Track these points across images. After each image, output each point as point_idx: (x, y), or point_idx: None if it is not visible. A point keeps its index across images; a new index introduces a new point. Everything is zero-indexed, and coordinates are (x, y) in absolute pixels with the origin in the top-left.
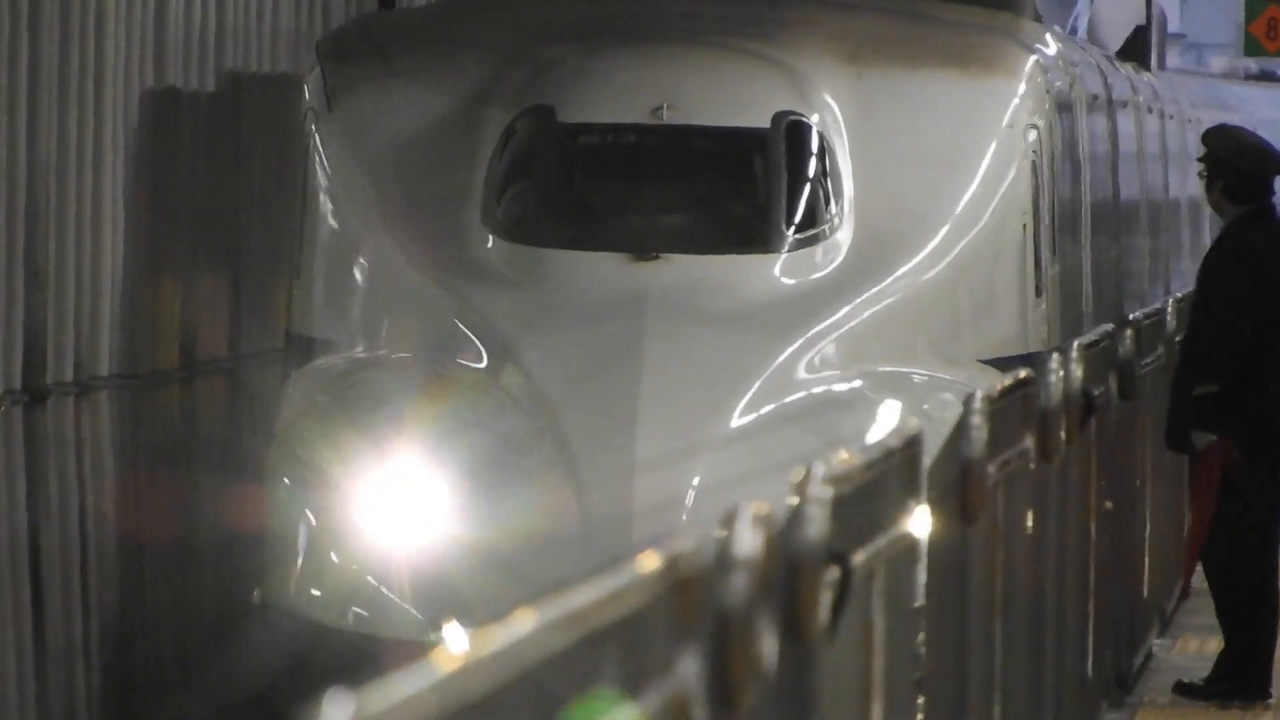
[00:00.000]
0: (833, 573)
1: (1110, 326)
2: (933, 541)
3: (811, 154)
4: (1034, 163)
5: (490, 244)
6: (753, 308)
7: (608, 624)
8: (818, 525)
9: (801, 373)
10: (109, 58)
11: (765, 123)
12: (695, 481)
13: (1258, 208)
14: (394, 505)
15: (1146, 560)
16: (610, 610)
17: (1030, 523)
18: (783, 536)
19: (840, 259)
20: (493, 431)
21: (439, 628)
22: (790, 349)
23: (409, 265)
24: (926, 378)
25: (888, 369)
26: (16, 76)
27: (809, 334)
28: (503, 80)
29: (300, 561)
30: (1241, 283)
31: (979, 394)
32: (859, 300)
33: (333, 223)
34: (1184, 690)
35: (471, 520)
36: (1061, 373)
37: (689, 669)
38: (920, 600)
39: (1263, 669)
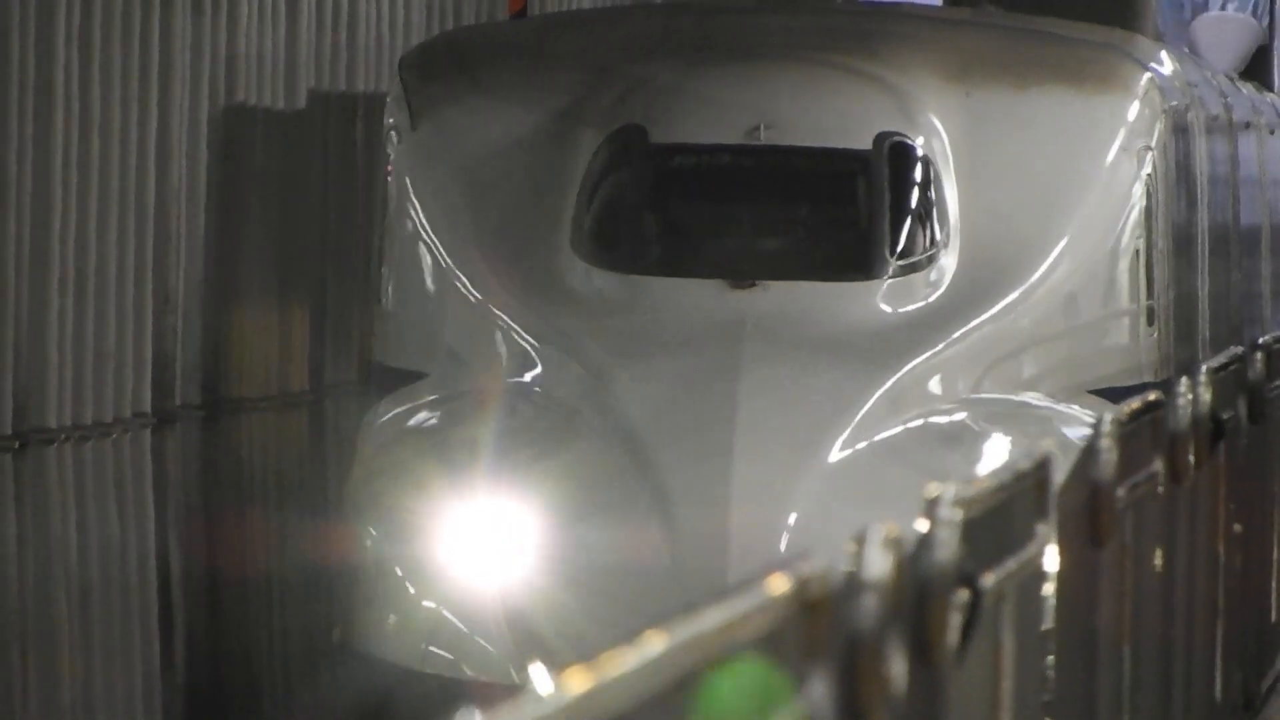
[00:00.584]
0: (962, 595)
1: (1239, 350)
2: (1062, 564)
3: (915, 177)
4: (1148, 186)
5: (580, 270)
6: (854, 336)
7: (738, 645)
8: (948, 548)
9: (904, 404)
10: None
11: (867, 144)
12: (792, 517)
13: None
14: (478, 542)
15: (1275, 584)
16: (740, 632)
17: (1159, 546)
18: (912, 559)
19: (945, 286)
20: (582, 465)
21: (524, 668)
22: (892, 379)
23: (494, 292)
24: (1034, 409)
25: (993, 400)
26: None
27: (912, 364)
28: (593, 98)
29: (380, 601)
30: None
31: (1108, 416)
32: (964, 329)
33: (415, 247)
34: None
35: (559, 557)
36: (1190, 396)
37: (818, 691)
38: (1049, 623)
39: None
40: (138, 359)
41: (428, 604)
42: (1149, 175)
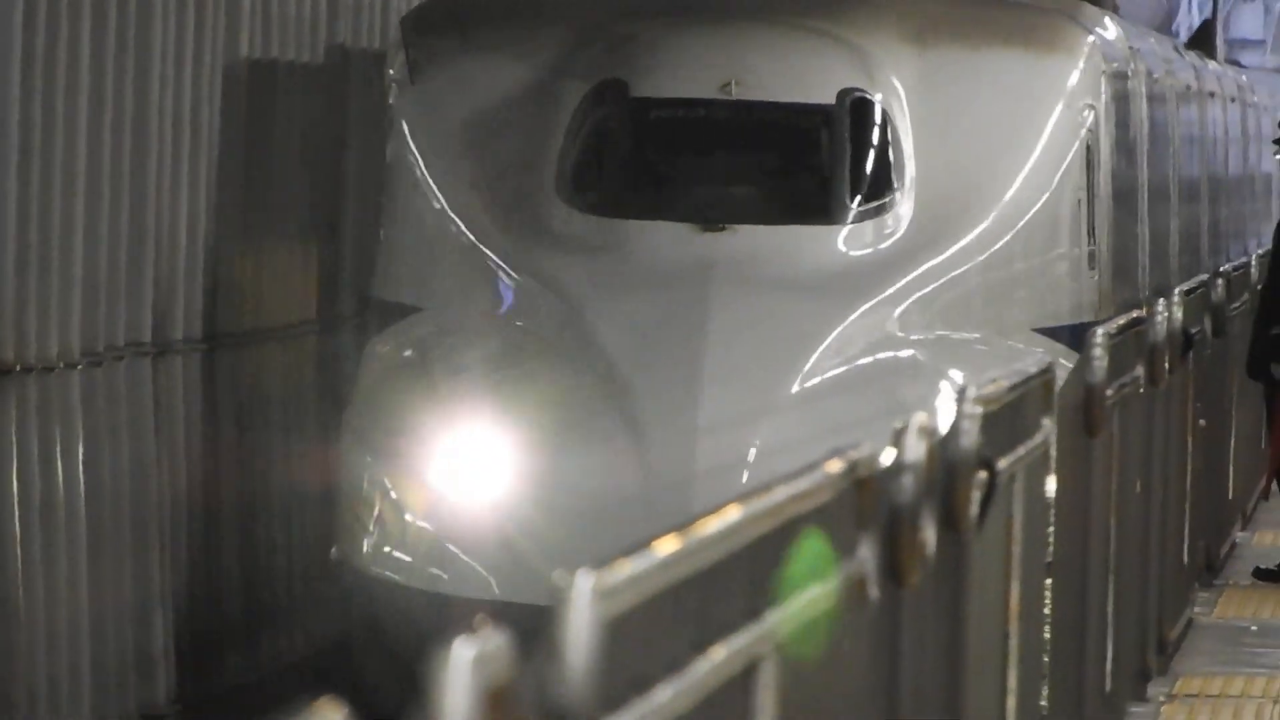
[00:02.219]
0: (982, 476)
1: (1205, 276)
2: (1061, 451)
3: (875, 130)
4: (1089, 140)
5: (563, 213)
6: (816, 277)
7: (801, 514)
8: (970, 437)
9: (862, 340)
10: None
11: (830, 99)
12: (757, 444)
13: None
14: (465, 467)
15: (1232, 468)
16: (804, 504)
17: (1140, 437)
18: (942, 445)
19: (901, 231)
20: (561, 395)
21: (506, 584)
22: (851, 317)
23: (485, 233)
24: (983, 345)
25: (945, 337)
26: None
27: (870, 303)
28: (578, 55)
29: (375, 521)
30: None
31: (1100, 331)
32: (919, 271)
33: (413, 191)
34: (1260, 574)
35: (540, 481)
36: (1166, 314)
37: (866, 553)
38: (1051, 498)
39: None
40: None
41: (418, 523)
42: (1090, 130)
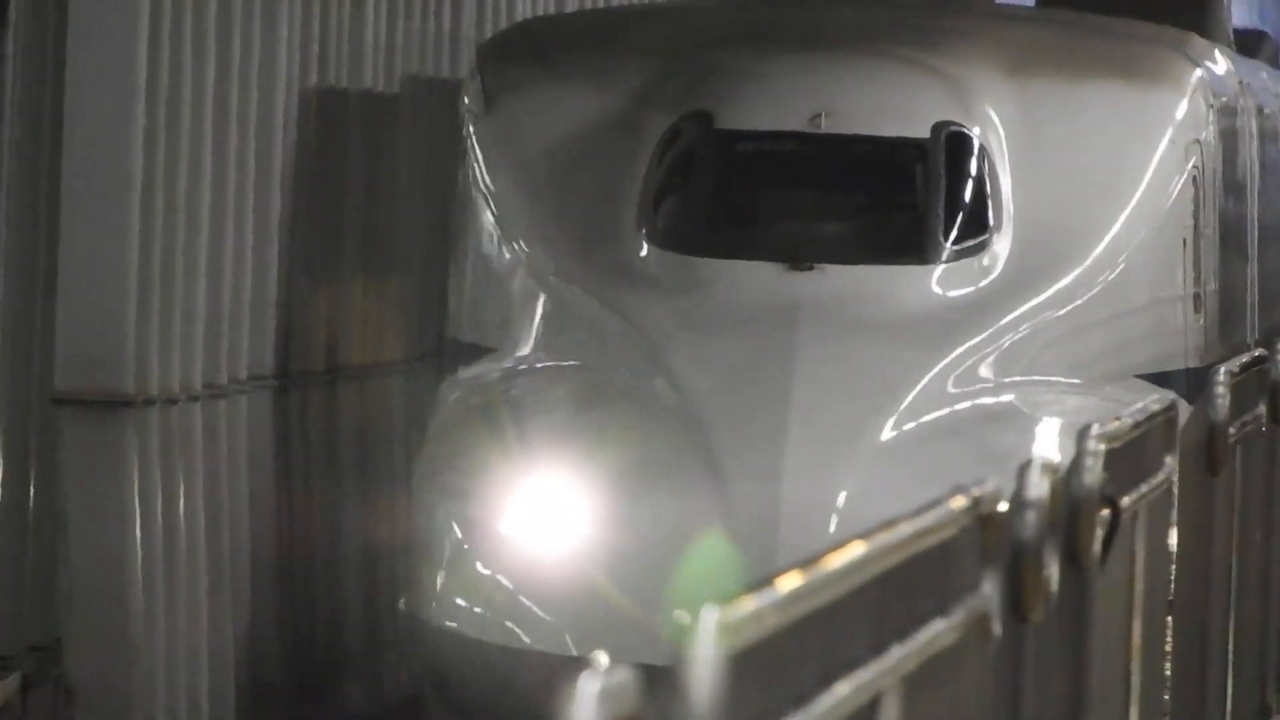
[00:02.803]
0: (1105, 513)
1: None
2: (1184, 489)
3: (971, 165)
4: (1196, 177)
5: (645, 251)
6: (908, 319)
7: (925, 550)
8: (1093, 474)
9: (956, 386)
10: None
11: (925, 133)
12: (845, 491)
13: None
14: (540, 516)
15: None
16: (928, 539)
17: (1262, 474)
18: (1065, 482)
19: (998, 272)
20: (641, 442)
21: (581, 639)
22: (945, 361)
23: (563, 271)
24: (1082, 391)
25: (1043, 382)
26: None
27: (965, 346)
28: (661, 85)
29: (444, 571)
30: None
31: (1223, 369)
32: (1016, 314)
33: (488, 226)
34: None
35: (618, 532)
36: None
37: (990, 589)
38: (1174, 537)
39: None
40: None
41: (490, 574)
42: (1196, 167)
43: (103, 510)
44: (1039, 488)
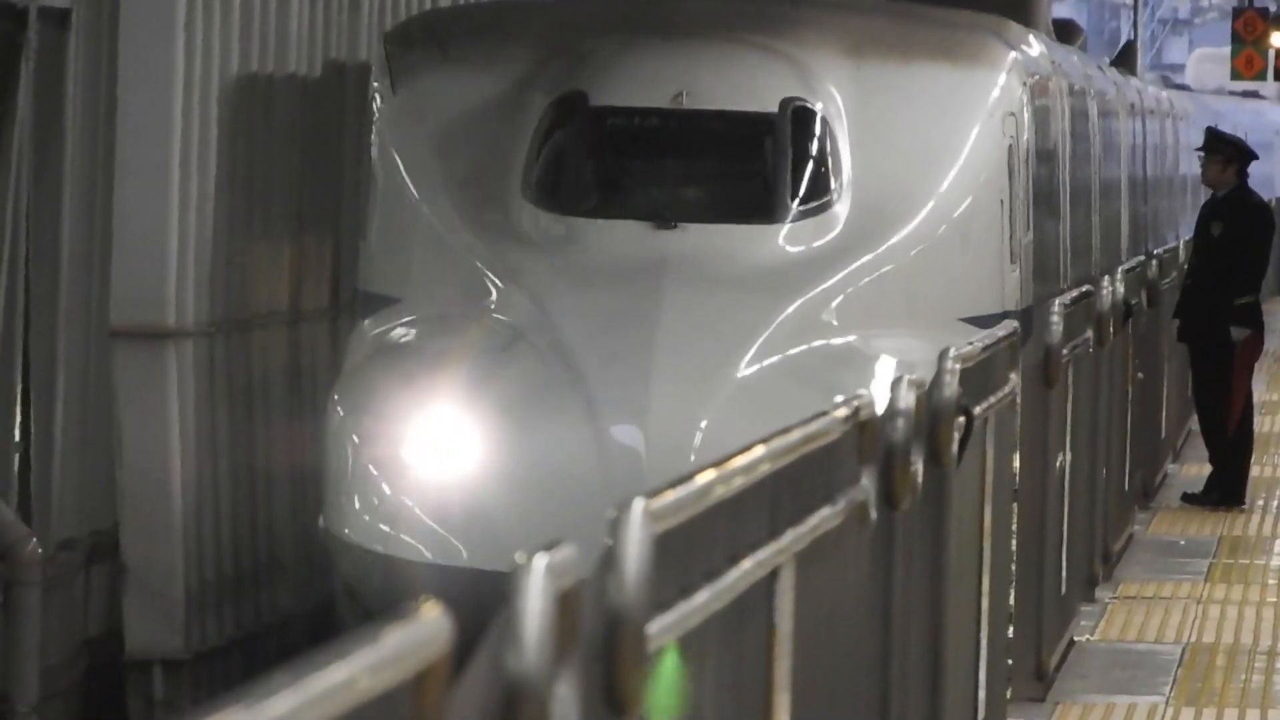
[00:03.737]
0: (961, 420)
1: (1141, 257)
2: (1025, 399)
3: (814, 136)
4: (1011, 146)
5: (528, 213)
6: (758, 272)
7: (814, 450)
8: (951, 388)
9: (801, 331)
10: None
11: (773, 108)
12: (703, 425)
13: (1244, 180)
14: (437, 445)
15: (1164, 413)
16: (815, 442)
17: (1088, 388)
18: (928, 395)
19: (838, 230)
20: (524, 380)
21: (476, 553)
22: (791, 309)
23: (458, 231)
24: (912, 334)
25: (878, 328)
26: None
27: (808, 296)
28: (543, 69)
29: (354, 494)
30: (1267, 227)
31: (1058, 301)
32: (854, 267)
33: (393, 192)
34: (1187, 498)
35: (503, 457)
36: (1110, 289)
37: (867, 482)
38: (1016, 439)
39: (1240, 484)
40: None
41: (395, 497)
42: (1012, 138)
43: (150, 422)
44: (907, 399)
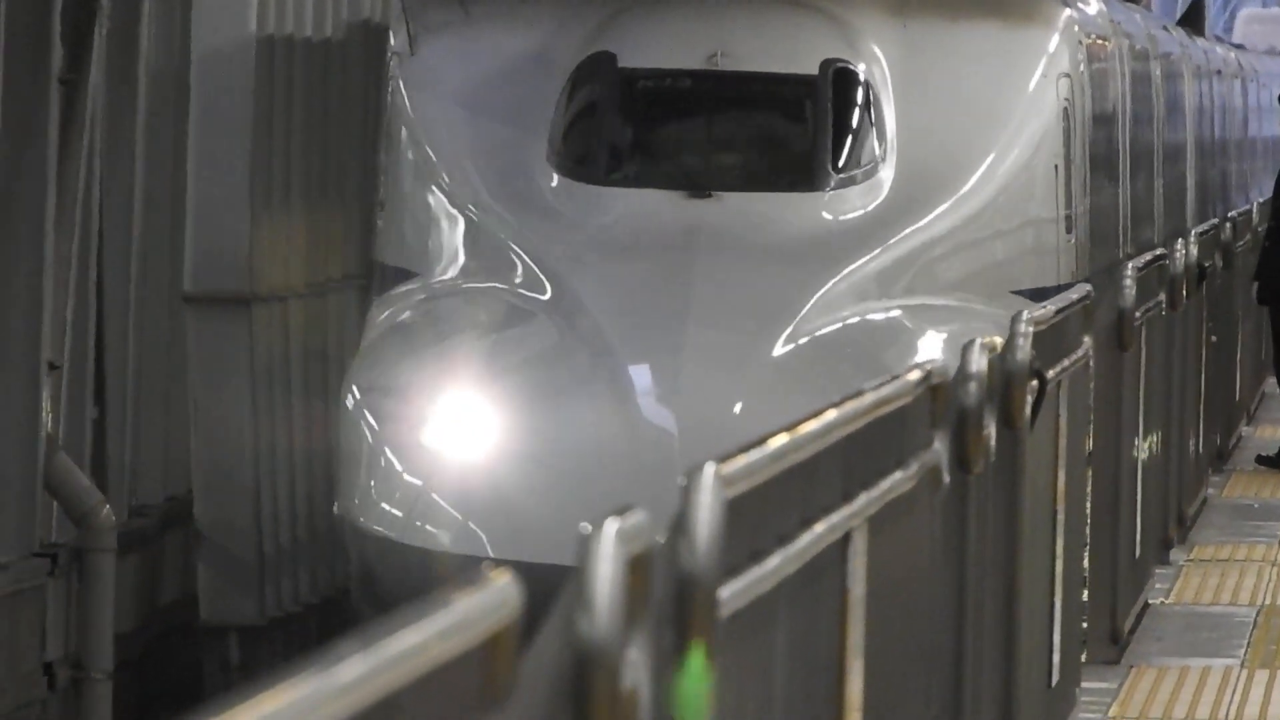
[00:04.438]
0: (1034, 384)
1: (1215, 220)
2: (1098, 363)
3: (857, 99)
4: (1066, 109)
5: (554, 181)
6: (798, 242)
7: (886, 414)
8: (1024, 352)
9: (843, 304)
10: None
11: (814, 70)
12: (738, 406)
13: None
14: (458, 428)
15: (1238, 376)
16: (888, 406)
17: (1162, 351)
18: (1001, 358)
19: (882, 198)
20: (548, 358)
21: (499, 543)
22: (832, 281)
23: (480, 201)
24: (961, 308)
25: (925, 301)
26: None
27: (850, 267)
28: (570, 29)
29: (370, 478)
30: None
31: (1130, 265)
32: (899, 236)
33: (412, 159)
34: (1261, 461)
35: (527, 441)
36: (1184, 251)
37: (939, 446)
38: (1090, 402)
39: None
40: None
41: (412, 481)
42: (1066, 99)
43: (223, 388)
44: (979, 363)
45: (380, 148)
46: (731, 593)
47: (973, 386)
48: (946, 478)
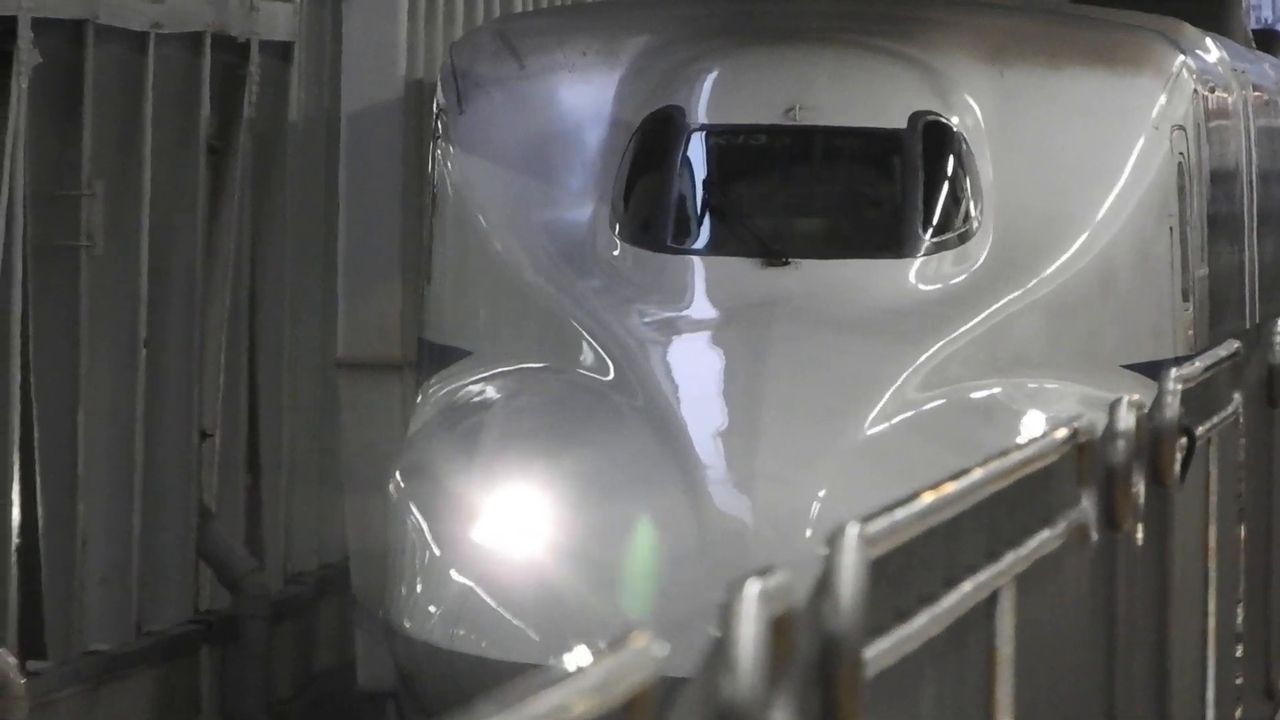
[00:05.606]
0: (1183, 440)
1: None
2: (1248, 419)
3: (949, 156)
4: (1180, 164)
5: (617, 249)
6: (886, 314)
7: (1033, 473)
8: (1172, 409)
9: (935, 381)
10: None
11: (902, 123)
12: (821, 494)
13: None
14: (511, 525)
15: None
16: (1034, 464)
17: None
18: (1149, 415)
19: (978, 264)
20: (613, 448)
21: (555, 649)
22: (923, 356)
23: (536, 271)
24: (1061, 386)
25: (1026, 377)
26: None
27: (943, 341)
28: (634, 81)
29: (417, 579)
30: None
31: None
32: (996, 306)
33: (461, 226)
34: None
35: (588, 539)
36: None
37: (1087, 504)
38: (1241, 458)
39: None
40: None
41: (462, 582)
42: (1181, 154)
43: (376, 451)
44: (1127, 420)
45: (427, 215)
46: (877, 653)
47: (1121, 444)
48: (1095, 535)
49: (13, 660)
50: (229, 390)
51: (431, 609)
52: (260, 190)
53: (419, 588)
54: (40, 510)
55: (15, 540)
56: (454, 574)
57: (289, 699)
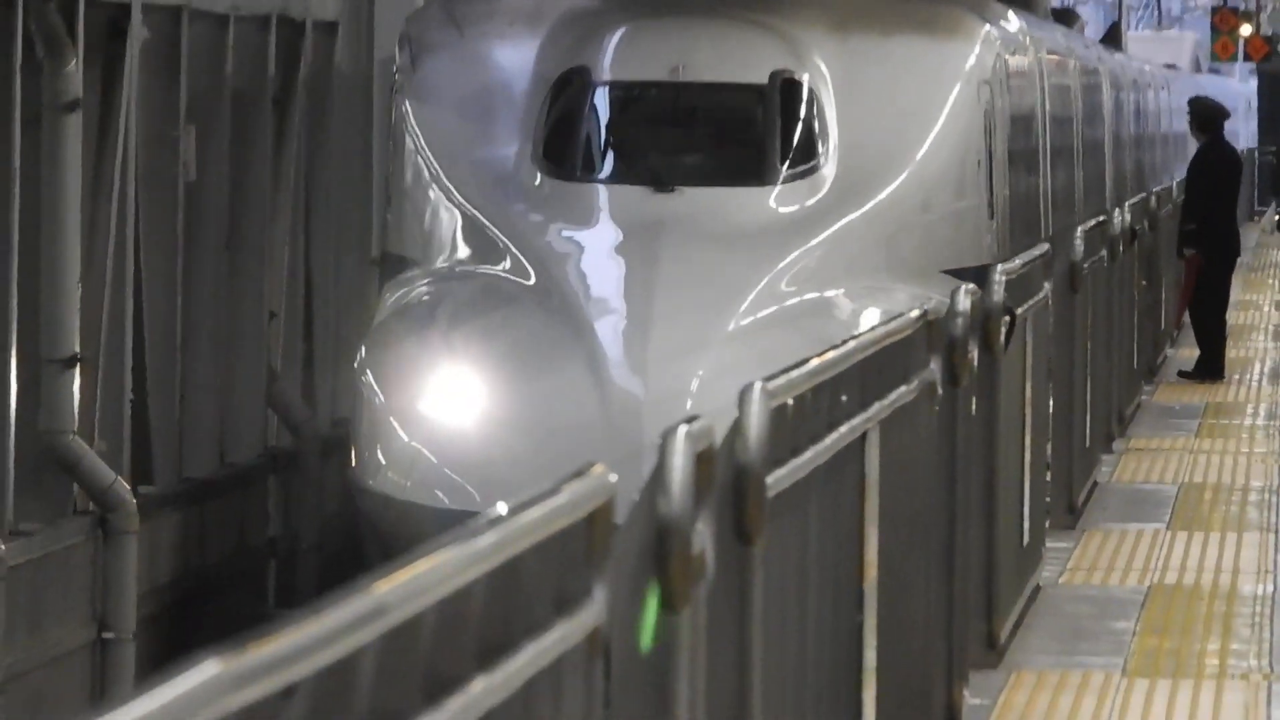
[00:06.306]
0: (1007, 318)
1: (1145, 193)
2: (1055, 303)
3: (802, 105)
4: (986, 111)
5: (538, 179)
6: (751, 231)
7: (894, 343)
8: (999, 293)
9: (791, 285)
10: None
11: (764, 80)
12: (699, 374)
13: (1215, 136)
14: (452, 396)
15: (1162, 313)
16: (895, 336)
17: (1103, 294)
18: (980, 298)
19: (825, 191)
20: (534, 335)
21: (488, 497)
22: (781, 265)
23: (474, 197)
24: (896, 286)
25: (864, 281)
26: None
27: (798, 252)
28: (550, 46)
29: (378, 445)
30: (1206, 173)
31: (1079, 228)
32: (840, 224)
33: (416, 162)
34: (1181, 374)
35: (512, 408)
36: (1120, 217)
37: (934, 366)
38: (1050, 331)
39: (1219, 361)
40: None
41: (414, 445)
42: (987, 102)
43: None
44: (965, 303)
45: (389, 152)
46: (776, 479)
47: (960, 321)
48: (940, 390)
49: (127, 486)
50: (290, 280)
51: (391, 469)
52: (313, 132)
53: (378, 450)
54: (147, 372)
55: (129, 396)
56: (406, 438)
57: (335, 515)
